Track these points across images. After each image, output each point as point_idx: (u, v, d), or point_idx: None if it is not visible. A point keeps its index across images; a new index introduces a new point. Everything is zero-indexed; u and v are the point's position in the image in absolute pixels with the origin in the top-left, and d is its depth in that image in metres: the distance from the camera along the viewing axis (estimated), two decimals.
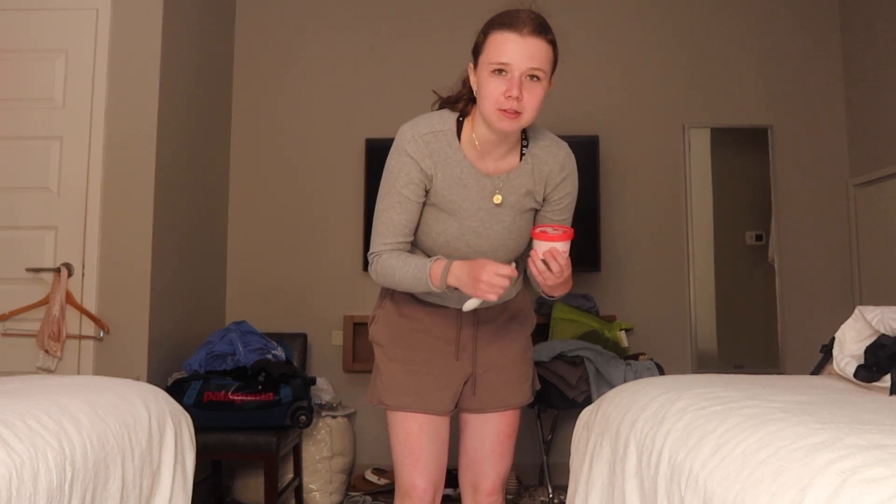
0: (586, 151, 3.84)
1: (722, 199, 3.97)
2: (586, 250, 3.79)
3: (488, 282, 1.47)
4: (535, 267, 1.49)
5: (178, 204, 3.28)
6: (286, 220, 3.97)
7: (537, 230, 1.50)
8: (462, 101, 1.67)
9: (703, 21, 4.09)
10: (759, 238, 3.96)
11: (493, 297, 1.48)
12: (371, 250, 1.68)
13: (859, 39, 3.92)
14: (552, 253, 1.47)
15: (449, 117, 1.66)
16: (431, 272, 1.56)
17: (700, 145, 4.01)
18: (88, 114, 2.97)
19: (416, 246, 1.74)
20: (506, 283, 1.47)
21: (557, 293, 1.61)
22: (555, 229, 1.49)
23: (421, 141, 1.62)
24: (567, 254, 1.49)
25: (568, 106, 3.99)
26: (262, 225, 3.97)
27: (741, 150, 4.03)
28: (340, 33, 4.06)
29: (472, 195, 1.64)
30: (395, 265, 1.62)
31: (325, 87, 4.04)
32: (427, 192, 1.65)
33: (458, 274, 1.53)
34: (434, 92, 1.75)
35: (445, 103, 1.71)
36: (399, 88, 3.94)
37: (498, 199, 1.64)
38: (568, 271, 1.51)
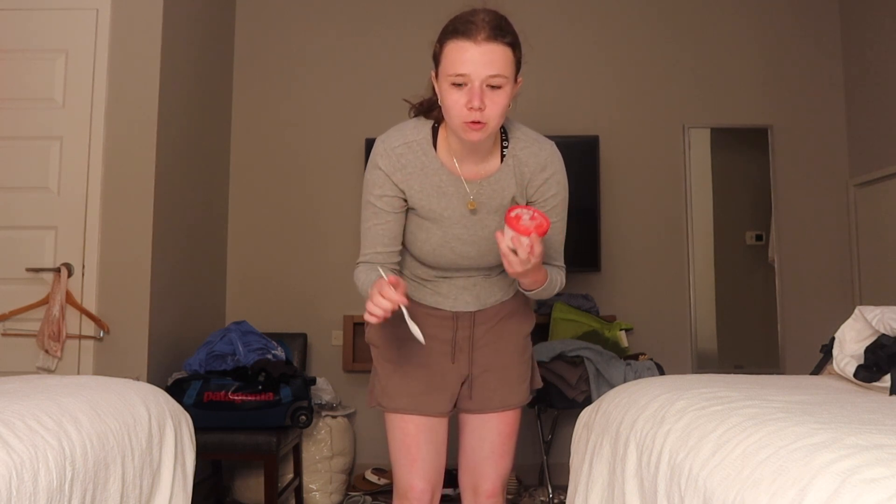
0: (586, 151, 3.84)
1: (722, 199, 3.97)
2: (586, 250, 3.79)
3: (368, 308, 1.44)
4: (500, 248, 1.45)
5: (178, 204, 3.28)
6: (286, 220, 3.97)
7: (512, 213, 1.44)
8: (436, 109, 1.63)
9: (703, 21, 4.09)
10: (759, 238, 3.96)
11: (371, 320, 1.44)
12: (357, 260, 1.70)
13: (859, 39, 3.92)
14: (517, 240, 1.42)
15: (423, 126, 1.64)
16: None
17: (700, 145, 4.01)
18: (88, 114, 2.97)
19: (406, 254, 1.74)
20: (377, 312, 1.42)
21: (524, 281, 1.57)
22: (532, 218, 1.43)
23: (392, 154, 1.61)
24: (534, 246, 1.43)
25: (568, 106, 3.99)
26: (262, 225, 3.97)
27: (741, 150, 4.03)
28: (340, 33, 4.07)
29: (453, 203, 1.62)
30: (360, 277, 1.64)
31: (325, 87, 4.04)
32: (406, 202, 1.64)
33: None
34: (406, 101, 1.71)
35: (419, 111, 1.69)
36: (399, 88, 3.91)
37: (472, 205, 1.62)
38: (535, 261, 1.45)
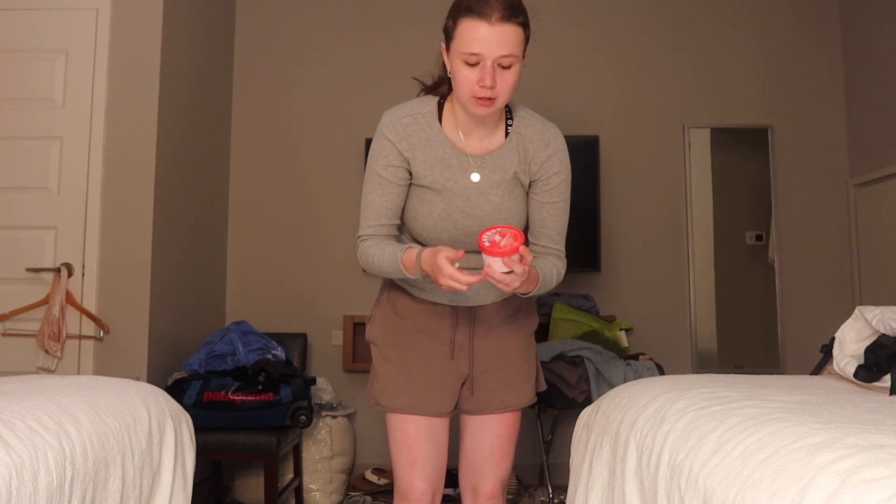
0: (586, 151, 3.84)
1: (722, 199, 3.97)
2: (586, 250, 3.79)
3: (445, 283, 1.46)
4: (495, 278, 1.45)
5: (178, 203, 3.28)
6: (286, 220, 3.97)
7: (485, 242, 1.43)
8: (444, 85, 1.68)
9: (703, 21, 4.09)
10: (759, 238, 3.96)
11: (462, 289, 1.47)
12: (357, 234, 1.70)
13: (859, 39, 3.92)
14: (510, 262, 1.42)
15: (429, 101, 1.69)
16: (404, 262, 1.57)
17: (700, 145, 4.01)
18: (88, 114, 2.97)
19: (405, 231, 1.74)
20: (461, 286, 1.44)
21: (522, 290, 1.58)
22: (504, 235, 1.44)
23: (399, 124, 1.64)
24: (524, 257, 1.44)
25: (568, 106, 3.99)
26: (262, 225, 3.97)
27: (741, 150, 4.03)
28: (340, 33, 4.07)
29: (455, 174, 1.64)
30: (373, 253, 1.64)
31: (325, 87, 4.04)
32: (410, 174, 1.66)
33: (426, 265, 1.52)
34: (416, 79, 1.76)
35: (429, 91, 1.73)
36: (399, 88, 3.93)
37: (475, 177, 1.64)
38: (526, 268, 1.46)
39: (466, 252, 1.67)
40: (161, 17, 3.05)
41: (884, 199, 3.67)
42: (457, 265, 1.47)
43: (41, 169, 2.95)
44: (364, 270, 1.74)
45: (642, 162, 4.00)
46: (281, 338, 3.48)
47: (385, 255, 1.60)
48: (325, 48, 4.06)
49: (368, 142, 3.89)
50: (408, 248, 1.58)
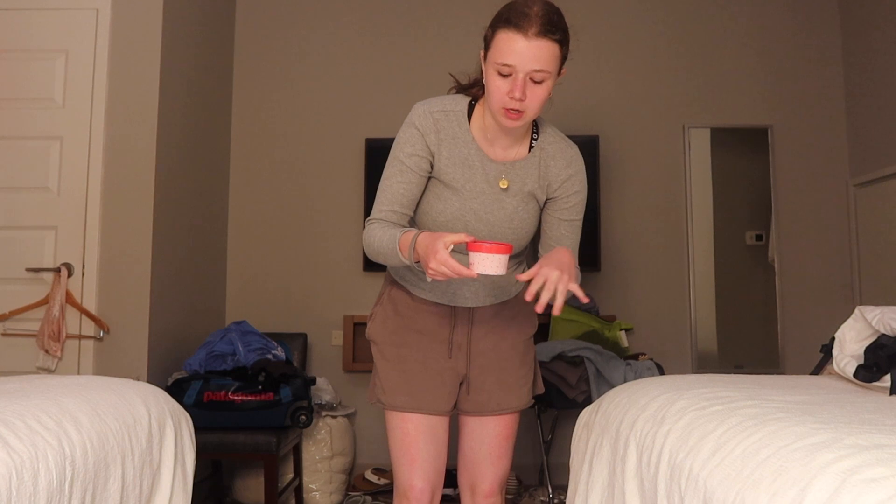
0: (586, 151, 3.79)
1: (722, 199, 3.97)
2: (586, 250, 3.78)
3: (435, 268, 1.42)
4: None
5: (178, 203, 3.28)
6: (286, 220, 3.97)
7: (474, 248, 1.42)
8: (477, 87, 1.70)
9: (703, 21, 4.09)
10: (759, 238, 3.96)
11: (438, 278, 1.44)
12: (368, 218, 1.69)
13: (859, 40, 3.92)
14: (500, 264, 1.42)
15: (462, 100, 1.70)
16: (400, 243, 1.53)
17: (700, 145, 4.01)
18: (88, 114, 2.98)
19: (416, 226, 1.73)
20: (449, 273, 1.41)
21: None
22: (489, 245, 1.43)
23: (430, 117, 1.65)
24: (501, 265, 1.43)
25: (568, 106, 3.99)
26: (262, 225, 3.97)
27: (741, 150, 4.03)
28: (340, 33, 4.07)
29: (476, 176, 1.66)
30: (375, 234, 1.61)
31: (325, 87, 4.04)
32: (432, 167, 1.66)
33: (421, 246, 1.48)
34: (452, 76, 1.77)
35: (461, 90, 1.75)
36: (399, 89, 3.94)
37: (504, 183, 1.65)
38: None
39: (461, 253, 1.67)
40: (161, 17, 3.05)
41: (884, 199, 3.67)
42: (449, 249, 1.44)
43: (41, 169, 2.95)
44: (366, 265, 1.73)
45: (642, 162, 4.00)
46: (281, 338, 3.48)
47: (385, 237, 1.58)
48: (325, 48, 4.06)
49: (368, 142, 3.91)
50: (407, 230, 1.56)
